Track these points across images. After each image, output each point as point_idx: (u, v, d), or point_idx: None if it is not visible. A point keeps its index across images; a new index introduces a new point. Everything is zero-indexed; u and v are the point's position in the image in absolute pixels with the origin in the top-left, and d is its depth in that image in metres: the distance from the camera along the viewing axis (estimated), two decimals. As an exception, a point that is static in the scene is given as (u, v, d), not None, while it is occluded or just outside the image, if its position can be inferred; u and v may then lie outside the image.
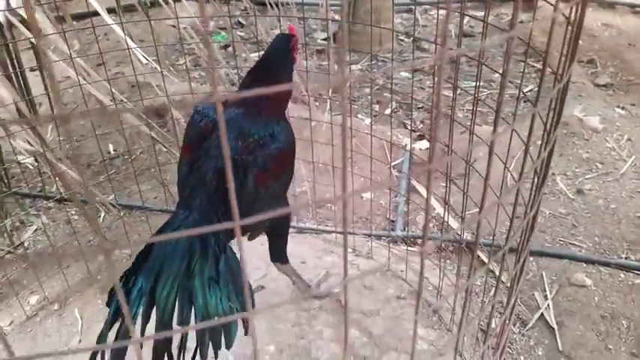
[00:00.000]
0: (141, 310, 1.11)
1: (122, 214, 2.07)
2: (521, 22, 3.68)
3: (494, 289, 1.79)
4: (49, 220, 2.14)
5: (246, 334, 1.20)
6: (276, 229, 1.51)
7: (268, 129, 1.31)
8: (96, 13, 1.86)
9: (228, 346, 1.16)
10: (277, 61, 1.36)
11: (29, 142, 1.67)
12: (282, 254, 1.56)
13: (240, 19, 3.99)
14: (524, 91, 3.10)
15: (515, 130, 1.07)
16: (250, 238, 1.52)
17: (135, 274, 1.15)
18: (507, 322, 0.87)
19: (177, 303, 1.13)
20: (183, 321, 1.13)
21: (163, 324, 1.12)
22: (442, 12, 3.95)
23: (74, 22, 1.96)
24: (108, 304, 1.16)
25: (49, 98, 1.73)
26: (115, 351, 1.05)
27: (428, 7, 4.26)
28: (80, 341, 1.65)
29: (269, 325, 1.62)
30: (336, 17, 3.69)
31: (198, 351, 1.13)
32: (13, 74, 1.74)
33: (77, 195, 1.77)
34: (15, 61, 1.79)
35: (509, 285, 1.46)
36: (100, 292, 1.79)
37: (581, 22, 0.69)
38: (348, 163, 2.28)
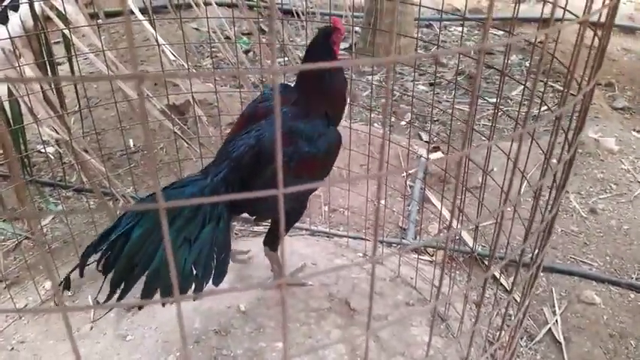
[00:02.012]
0: (118, 243, 1.24)
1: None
2: (541, 42, 3.70)
3: (503, 301, 1.79)
4: (67, 208, 2.18)
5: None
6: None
7: (312, 130, 1.35)
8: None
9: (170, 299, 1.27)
10: (317, 56, 1.37)
11: (55, 130, 1.71)
12: (275, 242, 1.62)
13: (263, 26, 4.05)
14: (542, 109, 3.11)
15: (535, 140, 1.10)
16: (256, 220, 1.60)
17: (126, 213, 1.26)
18: (519, 325, 0.88)
19: (144, 246, 1.23)
20: (145, 262, 1.24)
21: (127, 258, 1.24)
22: (460, 29, 3.98)
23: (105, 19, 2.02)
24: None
25: (76, 90, 1.78)
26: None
27: (447, 23, 4.30)
28: (92, 328, 1.68)
29: (278, 322, 1.64)
30: (357, 29, 3.74)
31: (142, 291, 1.25)
32: (43, 63, 1.80)
33: (97, 185, 1.81)
34: (46, 51, 1.84)
35: (516, 297, 1.47)
36: (114, 280, 1.83)
37: (609, 31, 0.71)
38: (363, 170, 2.30)
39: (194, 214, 1.27)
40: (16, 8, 1.79)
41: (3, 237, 1.99)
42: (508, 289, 1.82)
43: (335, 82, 1.39)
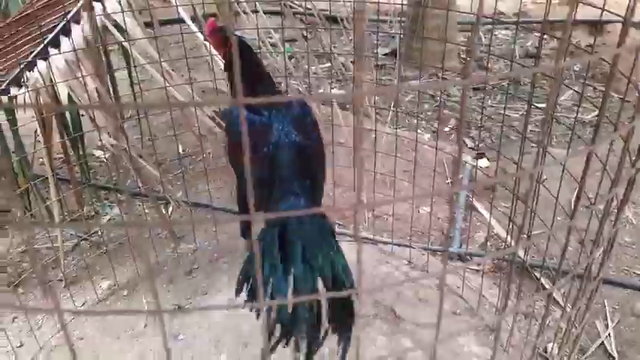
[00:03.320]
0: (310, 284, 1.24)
1: (190, 210, 2.18)
2: (589, 45, 3.60)
3: (555, 312, 1.76)
4: (122, 211, 2.27)
5: None
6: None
7: (301, 106, 1.48)
8: (178, 21, 1.99)
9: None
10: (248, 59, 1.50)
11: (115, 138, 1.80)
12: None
13: (304, 32, 4.09)
14: (589, 117, 3.03)
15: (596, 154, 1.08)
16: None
17: (285, 251, 1.25)
18: (577, 340, 0.87)
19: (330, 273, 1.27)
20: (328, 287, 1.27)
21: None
22: (507, 32, 3.92)
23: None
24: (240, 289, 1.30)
25: (134, 96, 1.86)
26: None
27: (491, 26, 4.24)
28: (145, 326, 1.75)
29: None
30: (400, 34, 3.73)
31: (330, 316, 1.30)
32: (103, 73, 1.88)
33: (152, 190, 1.89)
34: (106, 62, 1.93)
35: (568, 308, 1.43)
36: (166, 282, 1.89)
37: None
38: (406, 176, 2.30)
39: (321, 225, 1.31)
40: (78, 21, 1.89)
41: (63, 238, 2.09)
42: (560, 301, 1.79)
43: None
